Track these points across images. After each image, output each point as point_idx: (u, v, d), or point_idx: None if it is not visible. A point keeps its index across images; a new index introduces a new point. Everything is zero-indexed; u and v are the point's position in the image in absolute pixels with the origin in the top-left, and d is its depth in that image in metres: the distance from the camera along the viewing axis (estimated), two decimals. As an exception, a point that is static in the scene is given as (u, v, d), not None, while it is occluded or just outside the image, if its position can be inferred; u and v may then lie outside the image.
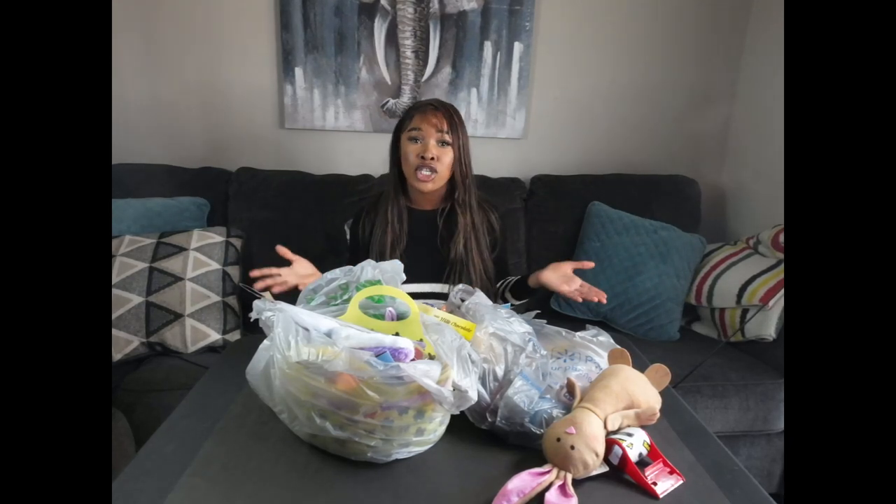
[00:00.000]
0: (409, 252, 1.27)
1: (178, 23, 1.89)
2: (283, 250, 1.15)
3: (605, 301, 1.14)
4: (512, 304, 1.32)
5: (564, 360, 0.88)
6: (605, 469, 0.69)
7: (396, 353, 0.75)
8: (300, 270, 1.15)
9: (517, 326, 0.84)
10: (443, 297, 1.28)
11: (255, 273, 1.10)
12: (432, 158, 1.22)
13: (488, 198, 1.41)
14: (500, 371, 0.78)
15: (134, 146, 1.93)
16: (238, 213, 1.84)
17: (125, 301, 1.49)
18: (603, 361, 0.88)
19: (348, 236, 1.45)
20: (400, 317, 0.88)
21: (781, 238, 1.65)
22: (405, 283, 0.93)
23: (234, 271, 1.63)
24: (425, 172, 1.23)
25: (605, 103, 2.08)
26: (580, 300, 1.18)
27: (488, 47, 1.97)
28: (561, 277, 1.20)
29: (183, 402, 0.85)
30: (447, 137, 1.23)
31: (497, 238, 1.36)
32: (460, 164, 1.26)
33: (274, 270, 1.11)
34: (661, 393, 0.82)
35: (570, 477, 0.66)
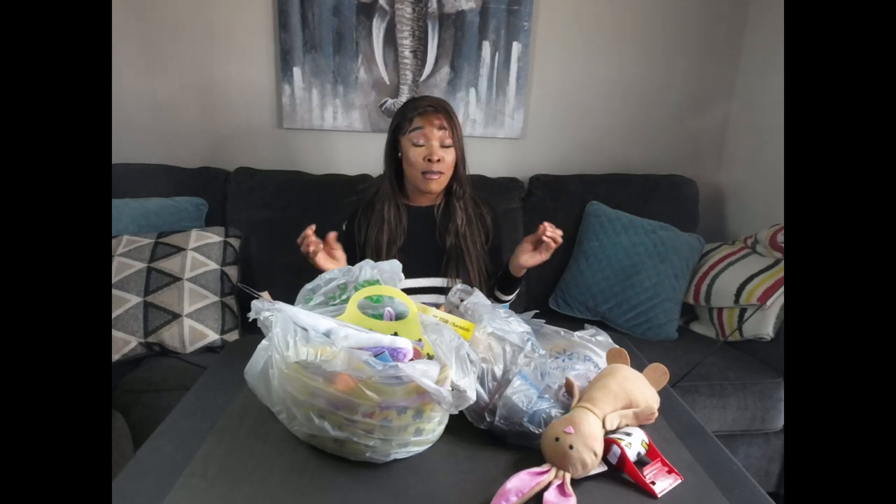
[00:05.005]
0: (406, 248, 1.28)
1: (176, 22, 1.88)
2: (331, 238, 1.18)
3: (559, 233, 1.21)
4: (508, 304, 1.32)
5: (563, 360, 0.88)
6: (604, 468, 0.69)
7: (395, 353, 0.75)
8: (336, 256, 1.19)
9: (516, 326, 0.84)
10: (441, 291, 1.29)
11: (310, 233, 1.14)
12: (438, 161, 1.23)
13: (480, 194, 1.42)
14: (498, 371, 0.78)
15: (132, 146, 1.93)
16: (236, 213, 1.84)
17: (123, 301, 1.49)
18: (601, 361, 0.88)
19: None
20: (398, 316, 0.88)
21: (779, 237, 1.65)
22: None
23: (232, 271, 1.63)
24: (433, 174, 1.24)
25: (603, 103, 2.08)
26: (553, 245, 1.22)
27: (487, 47, 1.97)
28: (531, 254, 1.23)
29: (181, 402, 0.85)
30: (449, 138, 1.24)
31: (490, 230, 1.37)
32: (461, 162, 1.29)
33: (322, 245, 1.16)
34: (660, 392, 0.82)
35: (568, 476, 0.66)
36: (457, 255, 1.29)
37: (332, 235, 1.18)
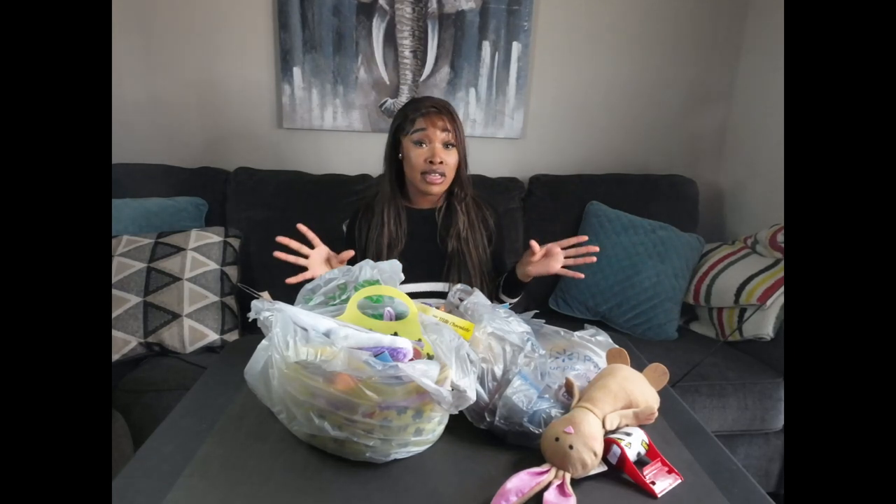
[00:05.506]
0: (407, 252, 1.27)
1: (176, 22, 1.88)
2: (303, 228, 1.15)
3: (596, 249, 1.19)
4: (510, 305, 1.32)
5: (563, 360, 0.88)
6: (604, 468, 0.69)
7: (395, 353, 0.75)
8: (319, 257, 1.15)
9: (516, 326, 0.84)
10: (442, 295, 1.28)
11: (282, 240, 1.11)
12: (441, 162, 1.21)
13: (483, 195, 1.41)
14: (498, 371, 0.78)
15: (132, 146, 1.93)
16: (236, 213, 1.84)
17: (123, 301, 1.49)
18: (601, 361, 0.88)
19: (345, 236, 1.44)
20: (398, 316, 0.88)
21: (779, 237, 1.65)
22: (404, 283, 0.93)
23: (232, 271, 1.63)
24: (434, 176, 1.23)
25: (603, 103, 2.08)
26: (579, 275, 1.24)
27: (486, 47, 1.97)
28: (543, 263, 1.22)
29: (181, 402, 0.85)
30: (452, 140, 1.23)
31: (493, 233, 1.35)
32: (464, 164, 1.28)
33: (304, 249, 1.13)
34: (660, 392, 0.82)
35: (568, 476, 0.66)
36: (459, 260, 1.28)
37: (301, 227, 1.15)
